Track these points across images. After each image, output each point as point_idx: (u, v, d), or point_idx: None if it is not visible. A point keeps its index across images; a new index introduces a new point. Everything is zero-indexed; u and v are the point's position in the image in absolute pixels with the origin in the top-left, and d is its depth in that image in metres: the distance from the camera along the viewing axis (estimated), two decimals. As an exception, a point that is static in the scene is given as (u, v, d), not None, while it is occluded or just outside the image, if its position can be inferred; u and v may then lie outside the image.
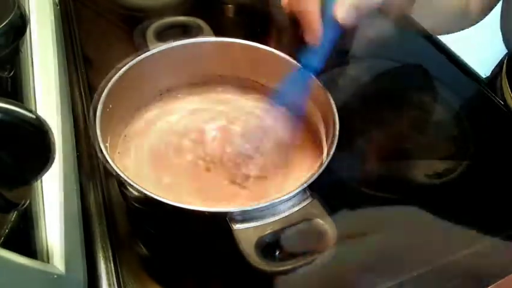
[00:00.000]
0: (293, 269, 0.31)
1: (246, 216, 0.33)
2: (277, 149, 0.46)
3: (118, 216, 0.44)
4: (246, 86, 0.51)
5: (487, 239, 0.46)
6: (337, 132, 0.40)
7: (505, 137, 0.57)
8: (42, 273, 0.30)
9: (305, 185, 0.35)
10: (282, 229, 0.33)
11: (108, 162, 0.35)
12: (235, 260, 0.37)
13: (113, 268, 0.40)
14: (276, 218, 0.34)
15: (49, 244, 0.33)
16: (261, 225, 0.33)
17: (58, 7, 0.58)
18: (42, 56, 0.43)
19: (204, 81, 0.51)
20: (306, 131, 0.48)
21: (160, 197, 0.33)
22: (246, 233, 0.33)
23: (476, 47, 0.84)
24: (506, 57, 0.66)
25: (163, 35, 0.47)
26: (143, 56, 0.44)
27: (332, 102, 0.43)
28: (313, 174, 0.36)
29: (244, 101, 0.51)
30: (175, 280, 0.42)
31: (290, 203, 0.34)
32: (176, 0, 0.72)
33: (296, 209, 0.34)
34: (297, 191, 0.34)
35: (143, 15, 0.68)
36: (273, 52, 0.47)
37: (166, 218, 0.38)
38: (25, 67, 0.41)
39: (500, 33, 0.62)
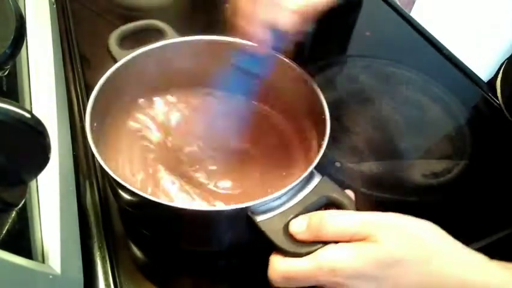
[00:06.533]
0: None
1: (266, 207, 0.34)
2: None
3: (115, 216, 0.44)
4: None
5: (484, 239, 0.46)
6: (328, 118, 0.40)
7: (502, 137, 0.57)
8: (38, 274, 0.30)
9: (313, 166, 0.36)
10: (303, 210, 0.34)
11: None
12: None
13: (109, 268, 0.40)
14: (295, 201, 0.34)
15: (45, 244, 0.33)
16: (283, 211, 0.34)
17: (54, 6, 0.58)
18: (38, 54, 0.43)
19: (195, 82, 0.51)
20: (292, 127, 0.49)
21: (178, 203, 0.34)
22: (271, 223, 0.33)
23: (480, 51, 0.84)
24: (505, 62, 0.66)
25: (127, 42, 0.47)
26: (113, 68, 0.43)
27: (319, 91, 0.42)
28: (317, 156, 0.37)
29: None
30: (171, 280, 0.41)
31: (304, 185, 0.35)
32: (173, 0, 0.72)
33: (310, 189, 0.35)
34: (307, 172, 0.35)
35: (139, 14, 0.68)
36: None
37: (174, 222, 0.38)
38: (21, 66, 0.40)
39: (502, 37, 0.62)
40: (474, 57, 0.73)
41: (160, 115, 0.49)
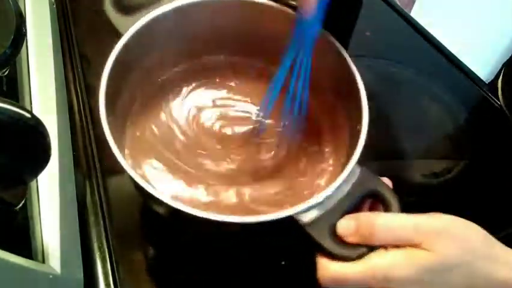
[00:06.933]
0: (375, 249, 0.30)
1: (311, 207, 0.33)
2: None
3: (115, 216, 0.44)
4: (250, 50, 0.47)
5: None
6: (364, 101, 0.39)
7: (502, 137, 0.57)
8: (38, 274, 0.30)
9: (355, 158, 0.34)
10: (347, 207, 0.33)
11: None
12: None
13: (109, 268, 0.40)
14: (337, 197, 0.33)
15: (45, 244, 0.33)
16: (328, 210, 0.32)
17: (54, 6, 0.58)
18: (38, 54, 0.43)
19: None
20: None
21: (221, 215, 0.31)
22: (317, 225, 0.32)
23: (480, 51, 0.84)
24: (507, 62, 0.66)
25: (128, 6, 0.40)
26: (120, 44, 0.38)
27: (353, 67, 0.40)
28: (356, 147, 0.36)
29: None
30: (171, 280, 0.41)
31: (345, 178, 0.34)
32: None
33: (352, 182, 0.34)
34: (351, 166, 0.34)
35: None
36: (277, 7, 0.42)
37: (214, 231, 0.37)
38: (21, 66, 0.40)
39: (503, 37, 0.62)
40: (474, 57, 0.73)
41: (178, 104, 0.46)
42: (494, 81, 0.66)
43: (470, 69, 0.65)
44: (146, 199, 0.36)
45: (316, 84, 0.45)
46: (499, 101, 0.62)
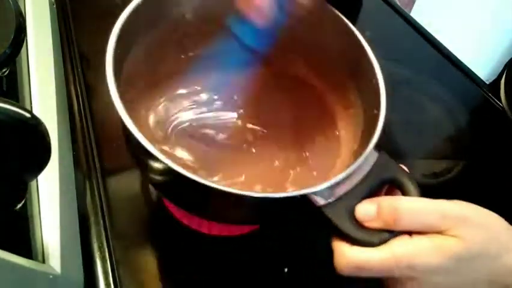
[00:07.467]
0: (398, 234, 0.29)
1: (328, 190, 0.31)
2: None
3: (115, 216, 0.44)
4: None
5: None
6: (381, 82, 0.37)
7: (502, 137, 0.57)
8: (38, 274, 0.30)
9: (374, 141, 0.33)
10: (366, 192, 0.31)
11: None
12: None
13: (109, 268, 0.40)
14: (353, 181, 0.31)
15: (45, 244, 0.33)
16: (345, 194, 0.31)
17: (54, 6, 0.58)
18: (38, 54, 0.43)
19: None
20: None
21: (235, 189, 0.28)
22: (335, 208, 0.30)
23: (480, 51, 0.84)
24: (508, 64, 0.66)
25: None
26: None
27: (367, 47, 0.39)
28: (375, 130, 0.34)
29: None
30: (171, 280, 0.41)
31: (362, 163, 0.32)
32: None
33: (369, 166, 0.32)
34: (369, 149, 0.32)
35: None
36: None
37: (224, 203, 0.33)
38: (21, 66, 0.40)
39: (503, 37, 0.62)
40: (475, 57, 0.73)
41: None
42: (496, 81, 0.66)
43: (470, 69, 0.65)
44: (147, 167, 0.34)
45: (328, 66, 0.44)
46: (499, 101, 0.62)
